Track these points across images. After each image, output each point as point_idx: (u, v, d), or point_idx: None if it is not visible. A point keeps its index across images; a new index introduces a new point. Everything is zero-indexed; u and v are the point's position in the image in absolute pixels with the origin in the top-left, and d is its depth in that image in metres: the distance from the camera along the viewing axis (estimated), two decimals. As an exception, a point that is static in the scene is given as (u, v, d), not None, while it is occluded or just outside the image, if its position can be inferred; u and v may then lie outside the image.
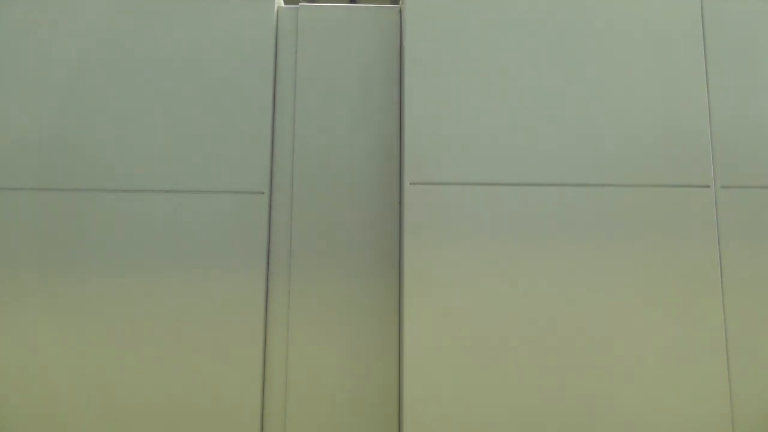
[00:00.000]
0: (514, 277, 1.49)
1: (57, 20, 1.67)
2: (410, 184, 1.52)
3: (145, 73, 1.66)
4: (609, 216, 1.53)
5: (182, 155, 1.63)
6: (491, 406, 1.44)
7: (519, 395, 1.44)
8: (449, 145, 1.54)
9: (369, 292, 1.61)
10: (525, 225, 1.52)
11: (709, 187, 1.56)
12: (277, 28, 1.73)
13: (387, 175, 1.67)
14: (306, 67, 1.71)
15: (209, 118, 1.64)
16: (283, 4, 1.77)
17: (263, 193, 1.62)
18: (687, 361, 1.48)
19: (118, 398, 1.51)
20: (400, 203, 1.64)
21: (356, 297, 1.61)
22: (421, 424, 1.43)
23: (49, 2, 1.68)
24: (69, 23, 1.67)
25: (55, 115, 1.63)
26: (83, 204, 1.59)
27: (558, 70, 1.59)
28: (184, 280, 1.56)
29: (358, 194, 1.66)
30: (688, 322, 1.49)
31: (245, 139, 1.64)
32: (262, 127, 1.65)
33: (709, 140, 1.58)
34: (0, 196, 1.59)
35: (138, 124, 1.63)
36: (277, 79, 1.71)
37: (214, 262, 1.57)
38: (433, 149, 1.54)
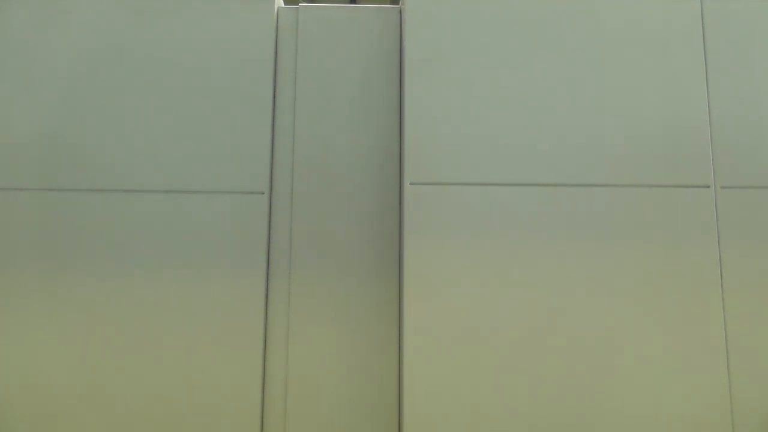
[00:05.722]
0: (514, 276, 1.49)
1: (57, 20, 1.67)
2: (410, 184, 1.52)
3: (145, 73, 1.66)
4: (609, 216, 1.53)
5: (182, 155, 1.63)
6: (491, 406, 1.44)
7: (519, 395, 1.44)
8: (449, 145, 1.54)
9: (369, 292, 1.61)
10: (525, 225, 1.52)
11: (709, 187, 1.56)
12: (277, 28, 1.73)
13: (387, 175, 1.67)
14: (306, 67, 1.71)
15: (209, 118, 1.64)
16: (283, 4, 1.77)
17: (263, 193, 1.62)
18: (687, 361, 1.48)
19: (118, 398, 1.51)
20: (400, 203, 1.64)
21: (356, 297, 1.61)
22: (421, 424, 1.43)
23: (49, 2, 1.68)
24: (69, 23, 1.67)
25: (55, 115, 1.63)
26: (83, 204, 1.59)
27: (558, 70, 1.59)
28: (184, 280, 1.56)
29: (358, 194, 1.66)
30: (688, 322, 1.49)
31: (245, 139, 1.64)
32: (262, 127, 1.65)
33: (709, 140, 1.58)
34: (0, 196, 1.59)
35: (138, 124, 1.63)
36: (277, 79, 1.71)
37: (214, 262, 1.57)
38: (433, 149, 1.54)
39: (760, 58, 1.64)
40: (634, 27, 1.61)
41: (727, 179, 1.57)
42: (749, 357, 1.49)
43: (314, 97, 1.70)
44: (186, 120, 1.64)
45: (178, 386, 1.52)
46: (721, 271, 1.52)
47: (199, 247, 1.58)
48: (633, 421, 1.45)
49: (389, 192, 1.67)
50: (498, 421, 1.43)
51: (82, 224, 1.58)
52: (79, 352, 1.53)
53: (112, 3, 1.69)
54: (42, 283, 1.56)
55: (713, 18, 1.64)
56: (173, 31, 1.68)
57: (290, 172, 1.67)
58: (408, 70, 1.57)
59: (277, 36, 1.73)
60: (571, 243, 1.51)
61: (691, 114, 1.59)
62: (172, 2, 1.69)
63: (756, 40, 1.64)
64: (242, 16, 1.69)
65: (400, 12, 1.75)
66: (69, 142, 1.62)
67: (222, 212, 1.60)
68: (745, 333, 1.50)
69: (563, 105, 1.57)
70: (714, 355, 1.48)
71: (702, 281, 1.51)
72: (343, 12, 1.75)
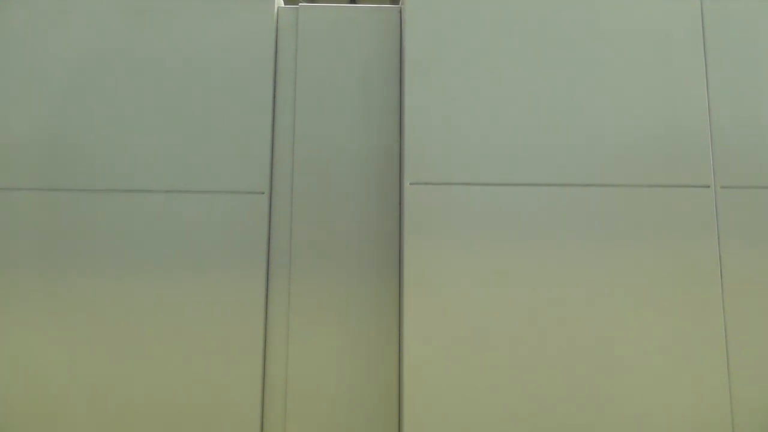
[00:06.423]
0: (514, 276, 1.49)
1: (57, 20, 1.67)
2: (410, 184, 1.52)
3: (145, 73, 1.66)
4: (609, 216, 1.53)
5: (182, 155, 1.63)
6: (491, 406, 1.44)
7: (519, 395, 1.44)
8: (449, 145, 1.54)
9: (369, 292, 1.61)
10: (525, 225, 1.52)
11: (709, 187, 1.56)
12: (277, 28, 1.73)
13: (387, 175, 1.67)
14: (306, 67, 1.71)
15: (209, 118, 1.64)
16: (283, 4, 1.77)
17: (263, 193, 1.62)
18: (687, 361, 1.48)
19: (118, 398, 1.51)
20: (400, 203, 1.64)
21: (356, 297, 1.61)
22: (421, 424, 1.43)
23: (49, 2, 1.68)
24: (69, 23, 1.67)
25: (55, 115, 1.63)
26: (83, 204, 1.59)
27: (558, 70, 1.59)
28: (183, 280, 1.56)
29: (358, 194, 1.66)
30: (688, 322, 1.49)
31: (245, 139, 1.64)
32: (262, 127, 1.65)
33: (709, 140, 1.58)
34: (0, 196, 1.59)
35: (138, 124, 1.63)
36: (277, 79, 1.71)
37: (214, 262, 1.57)
38: (433, 149, 1.54)
39: (760, 58, 1.64)
40: (634, 27, 1.61)
41: (727, 179, 1.57)
42: (749, 357, 1.49)
43: (314, 97, 1.70)
44: (186, 120, 1.64)
45: (178, 386, 1.52)
46: (721, 271, 1.52)
47: (199, 247, 1.58)
48: (633, 421, 1.45)
49: (389, 192, 1.67)
50: (498, 421, 1.43)
51: (82, 224, 1.58)
52: (79, 352, 1.53)
53: (112, 3, 1.69)
54: (42, 283, 1.56)
55: (713, 18, 1.64)
56: (173, 31, 1.68)
57: (290, 172, 1.67)
58: (408, 70, 1.57)
59: (277, 36, 1.73)
60: (571, 243, 1.51)
61: (691, 114, 1.59)
62: (172, 2, 1.69)
63: (756, 40, 1.64)
64: (242, 16, 1.69)
65: (400, 12, 1.75)
66: (69, 142, 1.62)
67: (222, 212, 1.60)
68: (745, 333, 1.50)
69: (563, 105, 1.57)
70: (714, 355, 1.48)
71: (702, 281, 1.51)
72: (343, 12, 1.75)
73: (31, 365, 1.52)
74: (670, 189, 1.55)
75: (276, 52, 1.72)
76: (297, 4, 1.75)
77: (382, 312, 1.60)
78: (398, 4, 1.80)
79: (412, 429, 1.42)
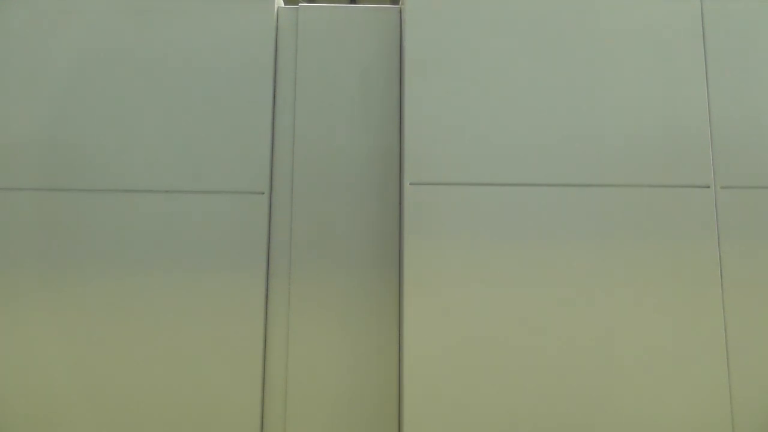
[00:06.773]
0: (514, 276, 1.49)
1: (57, 20, 1.67)
2: (410, 184, 1.52)
3: (145, 73, 1.66)
4: (609, 216, 1.53)
5: (182, 155, 1.63)
6: (491, 406, 1.44)
7: (519, 395, 1.44)
8: (449, 145, 1.54)
9: (369, 292, 1.61)
10: (525, 225, 1.52)
11: (709, 187, 1.56)
12: (277, 28, 1.73)
13: (387, 175, 1.67)
14: (306, 67, 1.71)
15: (209, 118, 1.64)
16: (283, 4, 1.77)
17: (263, 193, 1.62)
18: (687, 361, 1.48)
19: (118, 398, 1.51)
20: (400, 203, 1.64)
21: (356, 297, 1.61)
22: (421, 424, 1.43)
23: (49, 2, 1.68)
24: (69, 23, 1.67)
25: (55, 115, 1.63)
26: (83, 204, 1.59)
27: (558, 70, 1.59)
28: (184, 281, 1.56)
29: (358, 194, 1.66)
30: (688, 322, 1.49)
31: (245, 139, 1.64)
32: (262, 127, 1.65)
33: (709, 140, 1.58)
34: (0, 196, 1.59)
35: (138, 124, 1.63)
36: (277, 79, 1.71)
37: (214, 262, 1.57)
38: (433, 149, 1.54)
39: (760, 58, 1.64)
40: (634, 27, 1.61)
41: (727, 179, 1.57)
42: (749, 357, 1.49)
43: (314, 97, 1.70)
44: (186, 120, 1.64)
45: (178, 386, 1.52)
46: (721, 270, 1.52)
47: (199, 247, 1.58)
48: (633, 422, 1.45)
49: (389, 192, 1.67)
50: (498, 421, 1.43)
51: (82, 224, 1.58)
52: (79, 352, 1.53)
53: (112, 3, 1.69)
54: (42, 283, 1.56)
55: (713, 18, 1.64)
56: (173, 31, 1.68)
57: (290, 172, 1.67)
58: (408, 70, 1.57)
59: (277, 36, 1.73)
60: (571, 243, 1.51)
61: (691, 114, 1.59)
62: (172, 2, 1.69)
63: (756, 40, 1.64)
64: (242, 16, 1.69)
65: (400, 12, 1.75)
66: (69, 142, 1.62)
67: (222, 212, 1.60)
68: (745, 333, 1.50)
69: (563, 105, 1.57)
70: (714, 355, 1.48)
71: (702, 281, 1.51)
72: (343, 12, 1.75)
73: (31, 365, 1.52)
74: (670, 189, 1.55)
75: (276, 52, 1.72)
76: (297, 4, 1.75)
77: (382, 312, 1.60)
78: (398, 4, 1.80)
79: (412, 429, 1.42)
